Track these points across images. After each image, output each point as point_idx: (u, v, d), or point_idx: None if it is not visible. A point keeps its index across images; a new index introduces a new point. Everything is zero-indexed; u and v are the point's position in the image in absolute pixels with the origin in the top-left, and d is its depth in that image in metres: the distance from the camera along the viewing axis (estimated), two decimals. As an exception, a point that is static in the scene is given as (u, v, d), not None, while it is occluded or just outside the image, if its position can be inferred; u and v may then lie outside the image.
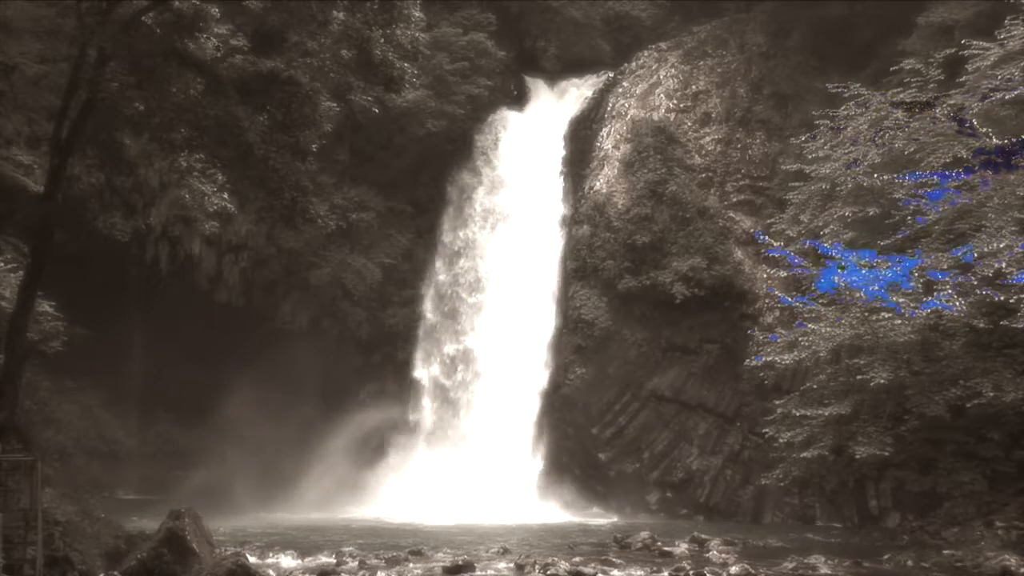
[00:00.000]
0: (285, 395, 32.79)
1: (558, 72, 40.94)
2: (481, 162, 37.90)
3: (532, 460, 32.63)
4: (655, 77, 36.24)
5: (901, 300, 23.57)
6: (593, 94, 37.44)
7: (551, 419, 32.86)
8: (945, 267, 22.75)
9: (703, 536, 24.01)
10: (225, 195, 22.14)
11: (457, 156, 37.81)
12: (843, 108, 27.85)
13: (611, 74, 37.88)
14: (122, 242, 31.73)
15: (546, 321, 34.00)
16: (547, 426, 33.06)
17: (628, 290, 32.32)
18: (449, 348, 35.51)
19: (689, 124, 35.20)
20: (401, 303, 36.17)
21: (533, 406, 33.13)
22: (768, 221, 32.33)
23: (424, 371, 35.58)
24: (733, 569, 19.71)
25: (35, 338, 22.01)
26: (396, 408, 34.79)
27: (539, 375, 33.42)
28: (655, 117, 35.03)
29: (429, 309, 36.37)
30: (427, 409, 35.01)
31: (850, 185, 27.54)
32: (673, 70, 36.30)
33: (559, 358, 33.08)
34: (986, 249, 21.53)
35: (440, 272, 36.80)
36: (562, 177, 35.95)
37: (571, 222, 34.51)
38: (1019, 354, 23.64)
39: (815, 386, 27.30)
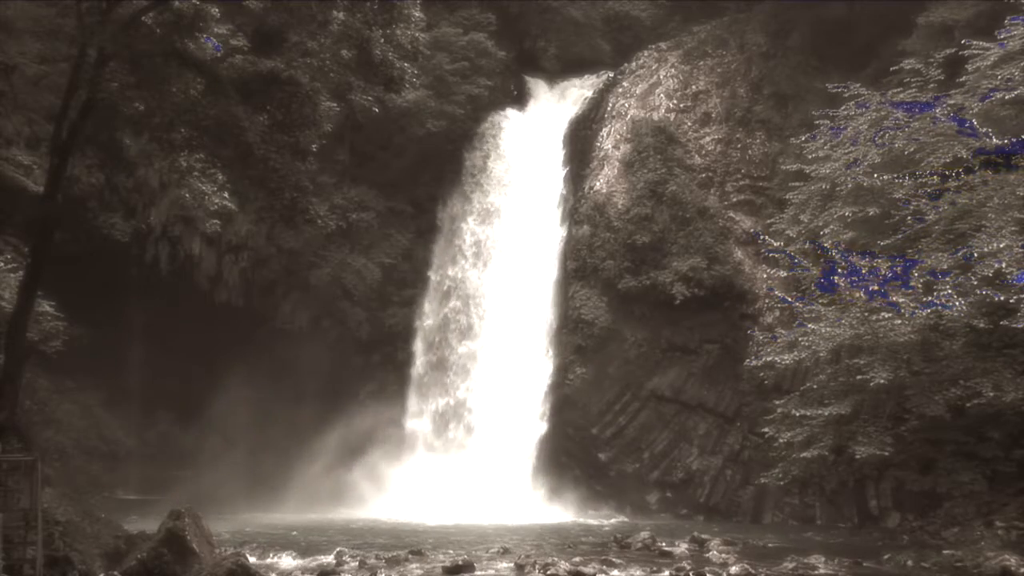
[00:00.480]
0: (285, 395, 32.81)
1: (558, 72, 40.95)
2: (470, 187, 36.93)
3: (532, 463, 32.53)
4: (655, 77, 36.25)
5: (901, 300, 23.55)
6: (593, 94, 37.43)
7: (551, 420, 32.80)
8: (945, 267, 22.73)
9: (703, 536, 24.00)
10: (225, 194, 22.14)
11: (447, 179, 37.07)
12: (843, 108, 27.86)
13: (611, 74, 37.89)
14: (122, 242, 31.72)
15: (541, 368, 33.08)
16: (546, 436, 32.73)
17: (628, 290, 32.32)
18: (439, 403, 34.31)
19: (689, 124, 35.22)
20: (401, 303, 36.13)
21: (530, 454, 32.38)
22: (768, 221, 32.35)
23: (416, 423, 34.43)
24: (733, 569, 19.69)
25: (35, 338, 21.99)
26: (396, 408, 34.76)
27: (536, 426, 32.56)
28: (655, 117, 35.04)
29: (420, 351, 35.32)
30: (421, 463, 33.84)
31: (850, 185, 27.53)
32: (673, 70, 36.32)
33: (559, 359, 33.01)
34: (986, 249, 21.52)
35: (428, 316, 35.64)
36: (563, 179, 35.77)
37: (571, 222, 34.48)
38: (1019, 354, 23.64)
39: (815, 386, 27.30)
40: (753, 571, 19.56)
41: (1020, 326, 21.65)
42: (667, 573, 19.57)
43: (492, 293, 35.00)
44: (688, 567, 20.08)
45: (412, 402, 34.81)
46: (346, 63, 19.40)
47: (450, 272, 35.99)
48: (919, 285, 23.34)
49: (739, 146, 34.84)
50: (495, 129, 37.85)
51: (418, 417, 34.49)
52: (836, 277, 24.02)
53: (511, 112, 38.49)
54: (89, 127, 18.72)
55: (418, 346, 35.39)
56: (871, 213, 26.71)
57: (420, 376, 35.02)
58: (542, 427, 32.61)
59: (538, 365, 33.25)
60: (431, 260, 36.47)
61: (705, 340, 32.43)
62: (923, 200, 23.54)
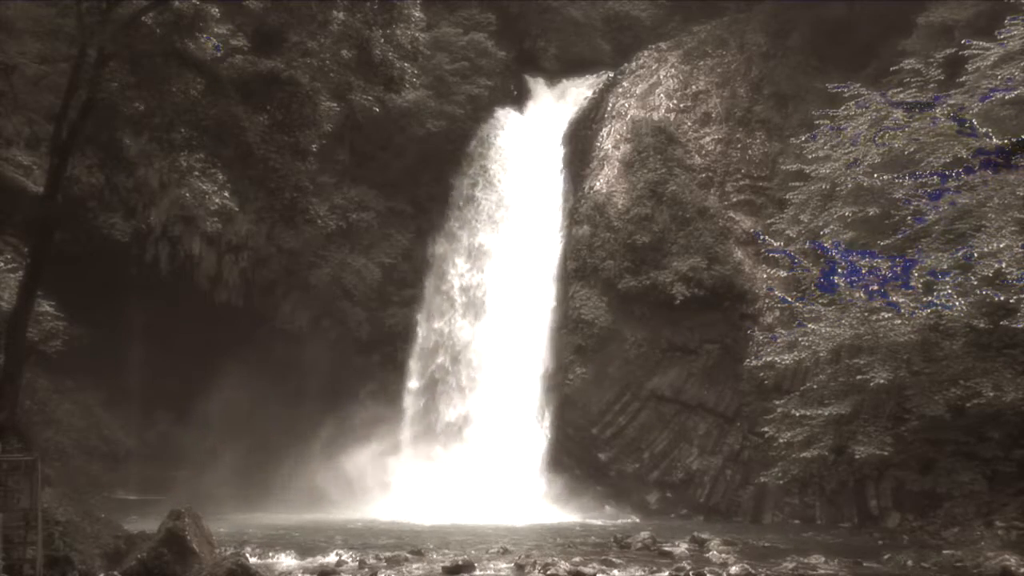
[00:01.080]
0: (285, 395, 32.80)
1: (558, 72, 40.94)
2: (457, 224, 36.15)
3: (532, 461, 32.53)
4: (655, 77, 36.25)
5: (901, 300, 23.57)
6: (593, 94, 37.44)
7: (551, 420, 32.80)
8: (945, 267, 22.74)
9: (703, 536, 23.98)
10: (225, 194, 22.13)
11: (435, 212, 36.61)
12: (843, 108, 27.88)
13: (611, 74, 37.89)
14: (122, 242, 31.68)
15: (536, 434, 32.49)
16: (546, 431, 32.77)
17: (628, 290, 32.32)
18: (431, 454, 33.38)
19: (689, 124, 35.22)
20: (401, 303, 36.12)
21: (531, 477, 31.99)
22: (768, 221, 32.38)
23: (408, 464, 33.57)
24: (733, 569, 19.67)
25: (35, 338, 22.01)
26: (396, 408, 34.76)
27: (536, 482, 31.97)
28: (655, 117, 35.04)
29: (411, 388, 34.73)
30: (422, 464, 33.37)
31: (850, 185, 27.57)
32: (673, 70, 36.32)
33: (559, 359, 32.99)
34: (986, 249, 21.53)
35: (412, 375, 34.73)
36: (561, 185, 35.53)
37: (571, 222, 34.48)
38: (1019, 354, 23.66)
39: (815, 386, 27.32)
40: (753, 571, 19.55)
41: (1020, 326, 21.68)
42: (667, 573, 19.56)
43: (484, 347, 34.03)
44: (688, 567, 20.07)
45: (406, 452, 33.93)
46: (346, 63, 19.40)
47: (436, 325, 35.20)
48: (919, 285, 23.36)
49: (739, 146, 34.85)
50: (484, 147, 37.01)
51: (411, 461, 33.68)
52: (836, 277, 24.02)
53: (507, 116, 38.14)
54: (89, 127, 18.72)
55: (407, 402, 34.67)
56: (871, 213, 26.74)
57: (407, 440, 34.12)
58: (541, 483, 31.96)
59: (532, 429, 32.60)
60: (420, 311, 35.57)
61: (705, 340, 32.43)
62: (923, 200, 23.56)
